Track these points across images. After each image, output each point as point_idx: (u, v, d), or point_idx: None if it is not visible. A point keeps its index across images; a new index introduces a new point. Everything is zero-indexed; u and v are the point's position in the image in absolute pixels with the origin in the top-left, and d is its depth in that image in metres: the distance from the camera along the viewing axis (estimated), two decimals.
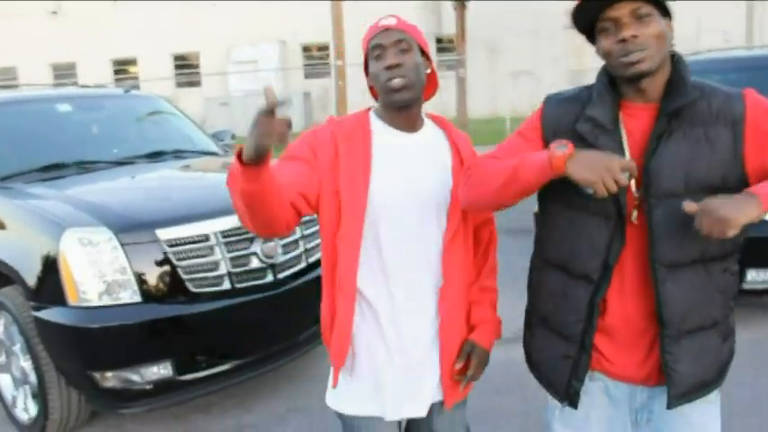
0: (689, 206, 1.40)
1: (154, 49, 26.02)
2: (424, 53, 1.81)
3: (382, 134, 1.82)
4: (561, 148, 1.45)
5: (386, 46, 1.75)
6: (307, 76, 25.62)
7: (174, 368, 3.16)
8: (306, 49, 26.01)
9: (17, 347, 3.41)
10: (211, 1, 25.55)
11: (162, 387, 3.18)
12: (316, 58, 25.76)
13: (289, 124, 1.37)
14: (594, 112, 1.59)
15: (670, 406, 1.61)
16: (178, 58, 26.75)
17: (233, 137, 5.58)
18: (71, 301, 3.05)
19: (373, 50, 1.77)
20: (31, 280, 3.20)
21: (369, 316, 1.80)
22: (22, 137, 4.28)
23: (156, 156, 4.46)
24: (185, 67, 26.56)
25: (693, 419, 1.67)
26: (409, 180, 1.78)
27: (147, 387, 3.15)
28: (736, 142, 1.53)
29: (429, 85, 1.89)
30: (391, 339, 1.78)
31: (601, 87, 1.61)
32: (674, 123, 1.53)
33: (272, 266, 3.45)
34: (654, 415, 1.70)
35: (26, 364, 3.36)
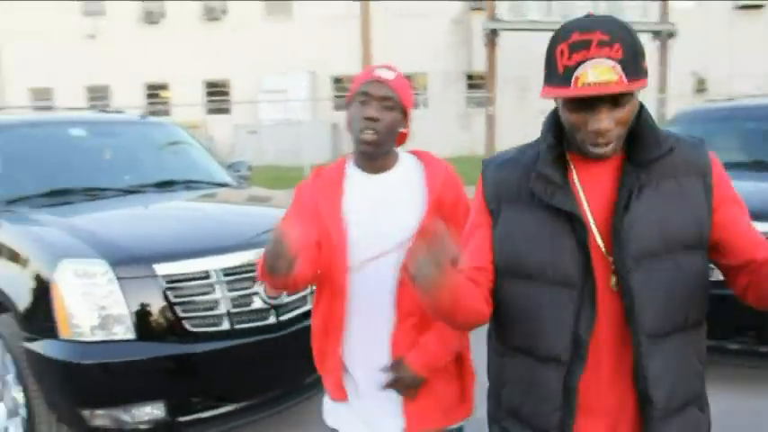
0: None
1: (186, 74, 26.41)
2: (405, 113, 1.93)
3: (354, 177, 1.98)
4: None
5: (372, 96, 1.87)
6: (336, 107, 25.76)
7: (168, 410, 3.03)
8: (337, 80, 26.20)
9: (10, 377, 3.31)
10: (244, 29, 25.95)
11: (154, 429, 3.04)
12: (345, 90, 25.91)
13: (295, 256, 1.58)
14: (546, 170, 1.43)
15: None
16: (210, 84, 27.10)
17: (249, 168, 5.49)
18: (63, 334, 2.95)
19: (360, 95, 1.88)
20: (24, 309, 3.12)
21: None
22: (33, 160, 4.24)
23: (166, 185, 4.37)
24: (216, 94, 26.88)
25: None
26: (373, 220, 1.91)
27: (139, 428, 3.02)
28: (707, 193, 1.42)
29: (400, 136, 1.98)
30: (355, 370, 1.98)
31: (549, 141, 1.46)
32: (643, 176, 1.39)
33: (276, 307, 3.32)
34: None
35: (18, 395, 3.26)
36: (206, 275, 3.14)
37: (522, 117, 23.46)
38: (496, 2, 18.85)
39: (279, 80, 24.93)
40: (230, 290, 3.19)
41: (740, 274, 1.42)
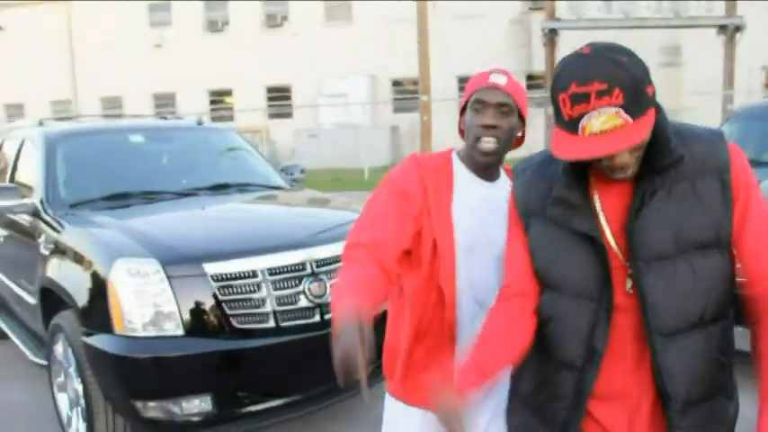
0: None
1: (248, 80, 27.01)
2: (521, 117, 1.86)
3: (464, 178, 1.88)
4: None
5: (488, 104, 1.80)
6: (395, 110, 25.88)
7: (215, 403, 3.14)
8: (396, 83, 26.32)
9: (72, 369, 3.50)
10: (304, 35, 26.34)
11: (202, 421, 3.17)
12: (406, 92, 26.01)
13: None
14: (563, 193, 1.47)
15: None
16: (271, 89, 27.63)
17: (302, 171, 5.62)
18: (117, 329, 3.11)
19: (474, 103, 1.81)
20: (83, 306, 3.30)
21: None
22: (95, 166, 4.46)
23: (220, 188, 4.52)
24: (278, 99, 27.39)
25: None
26: (482, 228, 1.82)
27: (188, 420, 3.14)
28: (725, 192, 1.42)
29: (517, 141, 1.91)
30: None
31: (565, 165, 1.47)
32: (657, 181, 1.41)
33: (320, 306, 3.40)
34: None
35: (79, 386, 3.44)
36: (253, 274, 3.25)
37: None
38: (556, 1, 18.58)
39: (339, 84, 25.22)
40: (276, 288, 3.29)
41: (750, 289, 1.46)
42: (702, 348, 1.44)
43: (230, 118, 26.63)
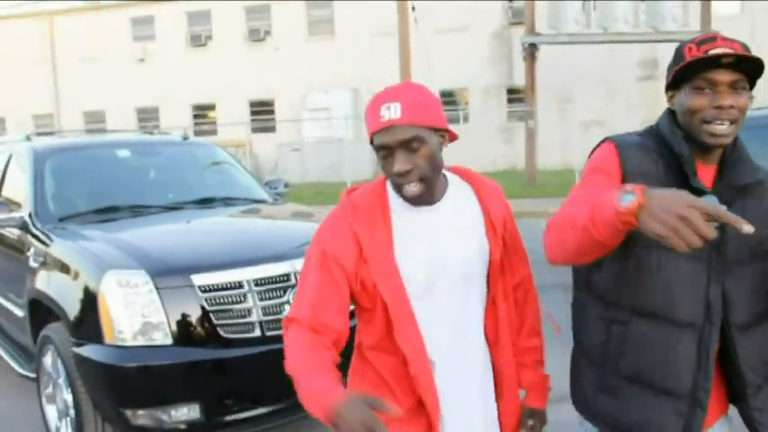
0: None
1: (231, 95, 27.11)
2: (437, 129, 1.65)
3: (401, 212, 1.70)
4: (627, 199, 1.25)
5: (393, 147, 1.59)
6: None
7: (203, 411, 3.23)
8: None
9: (61, 380, 3.57)
10: (287, 49, 26.49)
11: (191, 428, 3.24)
12: None
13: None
14: (685, 154, 1.56)
15: None
16: (254, 104, 27.73)
17: (286, 185, 5.73)
18: (107, 339, 3.19)
19: (379, 149, 1.61)
20: (74, 317, 3.38)
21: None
22: (83, 180, 4.55)
23: (206, 202, 4.63)
24: (261, 113, 27.48)
25: None
26: (438, 259, 1.67)
27: (177, 427, 3.22)
28: None
29: (451, 137, 1.74)
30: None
31: (681, 143, 1.58)
32: (735, 194, 1.57)
33: None
34: None
35: (68, 396, 3.51)
36: (239, 285, 3.35)
37: (564, 130, 23.43)
38: (536, 12, 18.87)
39: (322, 98, 25.38)
40: (262, 299, 3.38)
41: None
42: (765, 337, 1.62)
43: (213, 132, 26.69)
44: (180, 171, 5.07)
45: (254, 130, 27.00)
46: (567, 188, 16.46)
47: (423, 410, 1.69)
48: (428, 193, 1.65)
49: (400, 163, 1.58)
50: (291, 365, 1.55)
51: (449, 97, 26.00)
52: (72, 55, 28.83)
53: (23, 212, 4.25)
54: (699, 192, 1.51)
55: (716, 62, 1.48)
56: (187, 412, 3.21)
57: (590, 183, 1.60)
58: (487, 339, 1.79)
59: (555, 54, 21.32)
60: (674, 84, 1.59)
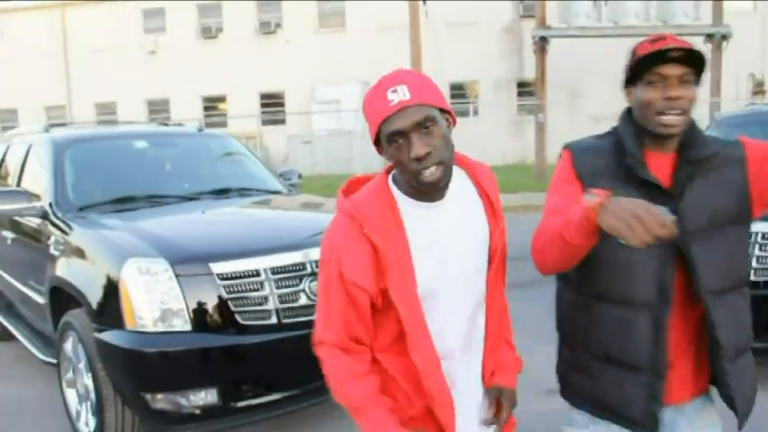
0: None
1: (242, 87, 27.18)
2: (444, 110, 1.61)
3: (410, 210, 1.64)
4: (591, 199, 1.44)
5: (407, 132, 1.53)
6: None
7: (220, 395, 3.31)
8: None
9: (81, 365, 3.66)
10: (298, 42, 26.54)
11: (208, 412, 3.33)
12: None
13: None
14: (633, 152, 1.75)
15: (741, 426, 1.79)
16: (264, 96, 27.80)
17: (299, 176, 5.81)
18: (128, 325, 3.28)
19: (391, 137, 1.54)
20: (95, 303, 3.47)
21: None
22: (102, 170, 4.64)
23: (222, 192, 4.71)
24: (271, 106, 27.56)
25: None
26: (445, 261, 1.66)
27: (195, 411, 3.30)
28: (743, 178, 1.76)
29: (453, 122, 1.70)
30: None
31: (631, 138, 1.76)
32: (694, 170, 1.73)
33: None
34: None
35: (89, 381, 3.60)
36: (256, 273, 3.42)
37: (574, 124, 23.37)
38: (547, 7, 18.83)
39: (332, 91, 25.42)
40: (278, 287, 3.46)
41: None
42: (741, 306, 1.77)
43: (223, 124, 26.78)
44: (196, 162, 5.15)
45: (265, 123, 27.11)
46: None
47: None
48: (446, 179, 1.61)
49: (418, 146, 1.52)
50: (346, 398, 1.69)
51: (459, 90, 26.00)
52: (83, 47, 28.97)
53: (44, 202, 4.34)
54: (649, 183, 1.70)
55: (665, 57, 1.64)
56: (205, 397, 3.29)
57: (557, 193, 1.81)
58: (486, 331, 1.79)
59: (566, 48, 21.28)
60: (630, 81, 1.75)
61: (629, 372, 1.75)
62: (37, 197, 4.43)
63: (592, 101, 23.44)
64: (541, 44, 18.75)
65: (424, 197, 1.64)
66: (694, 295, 1.71)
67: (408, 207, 1.65)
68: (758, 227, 3.86)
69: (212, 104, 28.53)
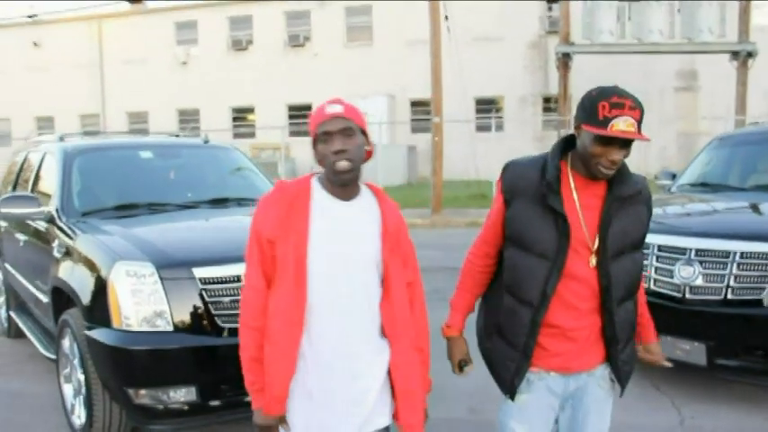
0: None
1: (270, 99, 27.65)
2: (364, 133, 2.14)
3: (322, 201, 2.13)
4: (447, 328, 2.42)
5: (333, 132, 2.07)
6: (413, 130, 26.31)
7: (199, 394, 3.50)
8: (414, 103, 26.76)
9: (76, 361, 3.90)
10: (326, 55, 26.92)
11: (188, 410, 3.52)
12: (425, 113, 26.43)
13: None
14: (550, 179, 2.13)
15: (621, 394, 2.33)
16: (292, 108, 28.22)
17: None
18: (115, 324, 3.50)
19: (322, 135, 2.08)
20: (87, 303, 3.70)
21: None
22: (107, 179, 4.90)
23: (220, 202, 4.93)
24: (299, 117, 27.96)
25: (602, 404, 2.30)
26: (344, 247, 2.10)
27: (175, 408, 3.51)
28: (648, 215, 2.24)
29: (367, 154, 2.20)
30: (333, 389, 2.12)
31: (553, 170, 2.14)
32: (620, 205, 2.15)
33: None
34: (575, 401, 2.28)
35: (81, 376, 3.83)
36: (237, 279, 3.61)
37: None
38: (571, 23, 18.91)
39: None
40: None
41: None
42: (631, 310, 2.25)
43: (251, 135, 27.24)
44: (198, 172, 5.38)
45: (292, 134, 27.49)
46: None
47: None
48: (354, 174, 2.10)
49: (338, 143, 2.06)
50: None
51: (484, 105, 26.10)
52: (118, 57, 29.77)
53: (51, 207, 4.61)
54: (553, 210, 2.10)
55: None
56: (185, 394, 3.49)
57: (489, 214, 2.32)
58: (383, 328, 2.17)
59: (591, 64, 21.32)
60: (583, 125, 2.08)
61: (506, 346, 2.23)
62: (46, 203, 4.70)
63: None
64: (565, 60, 18.83)
65: (337, 192, 2.13)
66: (597, 297, 2.17)
67: (321, 198, 2.13)
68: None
69: (241, 115, 29.04)
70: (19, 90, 30.95)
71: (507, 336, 2.23)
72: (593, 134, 2.00)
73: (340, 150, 2.05)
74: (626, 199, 2.14)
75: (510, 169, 2.22)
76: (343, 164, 2.06)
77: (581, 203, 2.13)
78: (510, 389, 2.24)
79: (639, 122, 1.99)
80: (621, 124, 1.96)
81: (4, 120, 31.53)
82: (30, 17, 29.33)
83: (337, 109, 2.08)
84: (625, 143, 2.01)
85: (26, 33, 31.07)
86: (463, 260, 2.42)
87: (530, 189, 2.14)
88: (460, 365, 2.41)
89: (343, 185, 2.12)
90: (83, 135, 6.27)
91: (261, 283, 2.13)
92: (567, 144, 2.18)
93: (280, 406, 2.11)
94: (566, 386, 2.25)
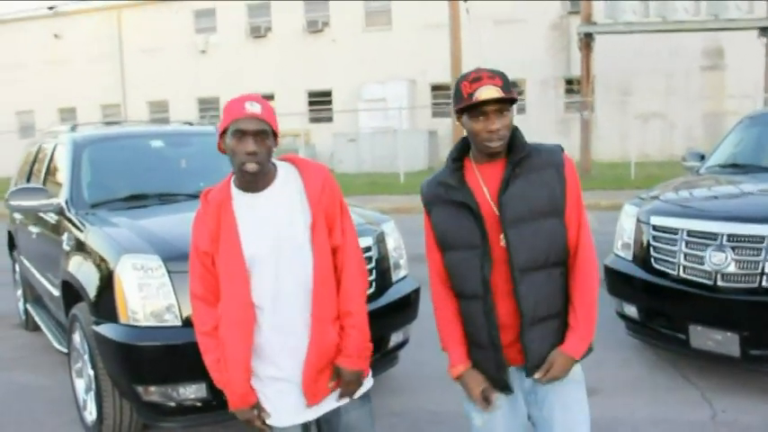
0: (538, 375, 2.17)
1: (290, 85, 27.53)
2: (275, 134, 2.19)
3: (239, 198, 2.23)
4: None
5: (247, 133, 2.09)
6: (434, 114, 26.05)
7: (209, 390, 3.38)
8: (435, 87, 26.48)
9: (86, 356, 3.81)
10: (344, 41, 26.73)
11: (198, 406, 3.42)
12: (445, 97, 26.17)
13: None
14: (445, 179, 2.23)
15: (528, 375, 2.19)
16: (312, 94, 28.09)
17: None
18: (122, 319, 3.40)
19: (235, 132, 2.10)
20: (94, 297, 3.61)
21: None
22: (117, 169, 4.80)
23: None
24: (318, 104, 27.82)
25: (566, 397, 2.23)
26: (267, 233, 2.20)
27: (185, 405, 3.41)
28: (560, 179, 2.16)
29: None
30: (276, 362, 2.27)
31: (454, 156, 2.23)
32: (517, 170, 2.14)
33: None
34: (538, 396, 2.25)
35: (91, 372, 3.75)
36: None
37: (622, 121, 22.89)
38: (593, 3, 18.49)
39: (378, 89, 25.48)
40: None
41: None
42: (545, 283, 2.15)
43: None
44: (210, 161, 5.24)
45: (312, 120, 27.38)
46: (621, 181, 16.05)
47: None
48: (262, 174, 2.18)
49: (251, 145, 2.10)
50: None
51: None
52: (137, 47, 29.82)
53: (60, 199, 4.52)
54: (462, 202, 2.14)
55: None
56: (195, 390, 3.38)
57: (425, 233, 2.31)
58: (313, 299, 2.23)
59: (614, 44, 20.88)
60: (459, 111, 2.13)
61: (482, 350, 2.22)
62: (57, 194, 4.62)
63: (640, 99, 22.89)
64: (587, 41, 18.43)
65: (249, 188, 2.22)
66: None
67: (239, 197, 2.23)
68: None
69: None
70: (41, 82, 31.13)
71: (475, 339, 2.24)
72: (465, 110, 2.07)
73: (252, 152, 2.09)
74: (521, 163, 2.14)
75: (423, 186, 2.31)
76: (252, 166, 2.11)
77: (487, 185, 2.16)
78: (500, 384, 2.24)
79: (504, 88, 2.06)
80: (484, 92, 2.02)
81: (27, 112, 31.76)
82: (50, 9, 29.51)
83: (256, 109, 2.11)
84: (499, 112, 2.06)
85: (47, 26, 31.19)
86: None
87: (441, 195, 2.22)
88: (485, 397, 2.23)
89: (251, 183, 2.20)
90: (99, 125, 6.17)
91: (203, 292, 2.27)
92: (466, 144, 2.22)
93: (242, 400, 2.27)
94: (521, 380, 2.26)
